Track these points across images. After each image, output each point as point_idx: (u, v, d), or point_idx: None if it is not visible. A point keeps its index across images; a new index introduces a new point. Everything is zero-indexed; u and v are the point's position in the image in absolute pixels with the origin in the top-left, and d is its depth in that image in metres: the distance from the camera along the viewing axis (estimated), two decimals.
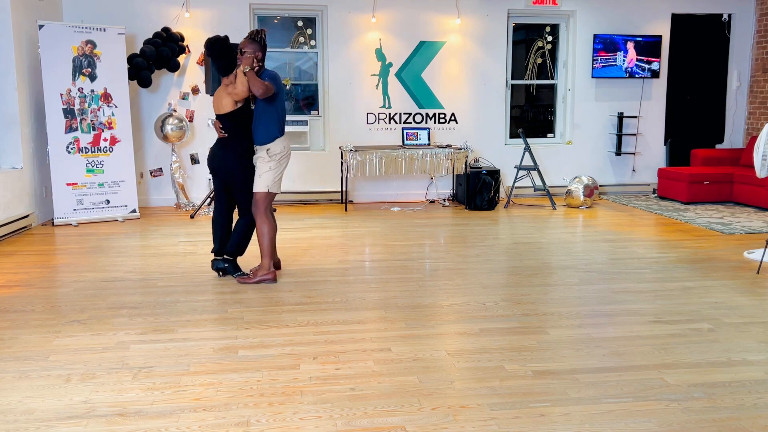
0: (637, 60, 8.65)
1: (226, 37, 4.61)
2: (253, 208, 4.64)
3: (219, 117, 4.64)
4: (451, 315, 3.98)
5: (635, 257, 5.44)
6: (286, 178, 8.34)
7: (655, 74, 8.74)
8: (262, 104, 4.57)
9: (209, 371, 3.15)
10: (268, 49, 8.38)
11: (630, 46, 8.59)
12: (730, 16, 9.00)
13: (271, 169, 4.62)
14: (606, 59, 8.61)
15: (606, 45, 8.57)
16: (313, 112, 8.49)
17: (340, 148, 8.12)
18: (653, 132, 9.02)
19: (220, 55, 4.56)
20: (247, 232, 4.79)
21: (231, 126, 4.61)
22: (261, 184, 4.60)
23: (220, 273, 4.84)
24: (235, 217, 4.88)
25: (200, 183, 8.19)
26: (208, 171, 4.76)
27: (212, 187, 8.02)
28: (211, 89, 7.30)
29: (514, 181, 8.16)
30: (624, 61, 8.62)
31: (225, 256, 4.81)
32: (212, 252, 4.88)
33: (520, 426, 2.62)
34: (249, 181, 4.66)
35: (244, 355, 3.36)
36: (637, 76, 8.71)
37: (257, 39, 4.52)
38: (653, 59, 8.69)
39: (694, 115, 9.20)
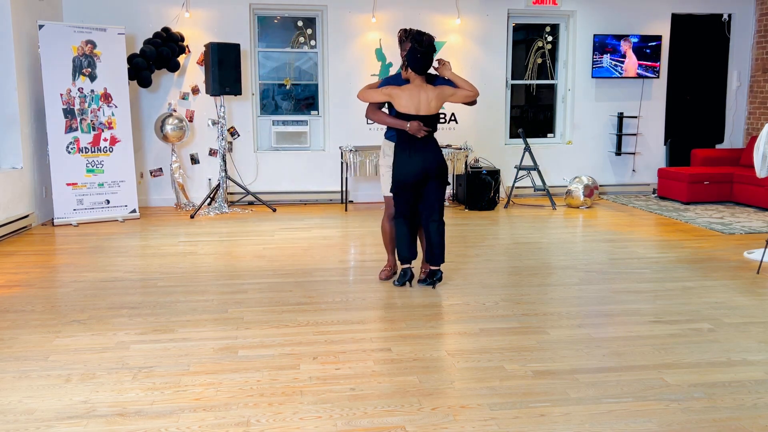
0: (639, 65, 8.65)
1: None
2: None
3: (425, 118, 4.32)
4: (451, 315, 3.98)
5: (635, 257, 5.43)
6: (286, 178, 8.35)
7: (654, 74, 8.74)
8: None
9: (209, 371, 3.15)
10: (268, 49, 8.40)
11: (629, 49, 8.59)
12: (730, 16, 9.00)
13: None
14: (605, 59, 8.61)
15: (606, 45, 8.57)
16: (313, 112, 8.49)
17: (340, 148, 8.12)
18: (653, 132, 9.02)
19: (430, 54, 4.28)
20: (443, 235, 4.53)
21: (433, 127, 4.39)
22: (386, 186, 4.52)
23: (409, 283, 4.55)
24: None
25: (200, 183, 8.19)
26: (406, 180, 4.33)
27: (212, 186, 8.03)
28: (211, 89, 7.32)
29: (514, 181, 8.15)
30: (622, 63, 8.62)
31: (432, 268, 4.51)
32: (400, 260, 4.55)
33: (520, 426, 2.62)
34: (445, 185, 4.46)
35: (244, 355, 3.36)
36: (637, 75, 8.71)
37: None
38: (653, 62, 8.70)
39: (694, 115, 9.20)
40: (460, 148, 7.89)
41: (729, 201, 8.10)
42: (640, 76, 8.70)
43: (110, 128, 7.13)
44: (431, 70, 4.50)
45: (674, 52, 8.96)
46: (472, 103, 4.48)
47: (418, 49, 4.21)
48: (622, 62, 8.62)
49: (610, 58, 8.58)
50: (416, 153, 4.31)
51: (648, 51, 8.66)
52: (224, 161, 7.60)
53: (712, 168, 8.29)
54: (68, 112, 6.88)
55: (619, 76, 8.66)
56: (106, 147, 7.12)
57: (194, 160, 8.14)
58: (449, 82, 4.41)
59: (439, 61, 4.41)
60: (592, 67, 8.63)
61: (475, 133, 8.61)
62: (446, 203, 8.28)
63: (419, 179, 4.33)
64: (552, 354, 3.36)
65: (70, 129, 6.89)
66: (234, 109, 8.14)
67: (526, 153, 8.03)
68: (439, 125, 8.50)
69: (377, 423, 2.65)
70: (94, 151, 7.06)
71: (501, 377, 3.07)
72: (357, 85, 8.28)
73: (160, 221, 7.12)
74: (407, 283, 4.56)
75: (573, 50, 8.75)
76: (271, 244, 5.95)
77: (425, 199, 4.44)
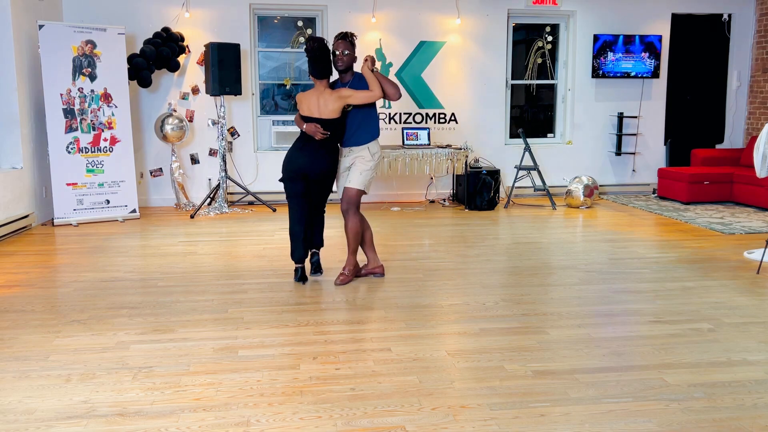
0: (635, 61, 8.65)
1: (323, 39, 4.55)
2: (346, 205, 4.63)
3: (322, 121, 4.49)
4: (451, 315, 3.98)
5: (635, 257, 5.43)
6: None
7: (655, 74, 8.74)
8: (368, 104, 4.55)
9: (209, 371, 3.15)
10: (268, 49, 8.40)
11: (630, 47, 8.59)
12: (730, 16, 9.00)
13: (371, 169, 4.66)
14: (606, 59, 8.61)
15: (606, 45, 8.57)
16: None
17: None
18: (653, 132, 9.02)
19: (323, 58, 4.47)
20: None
21: (333, 130, 4.54)
22: (359, 181, 4.59)
23: (303, 278, 4.73)
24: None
25: (200, 183, 8.19)
26: (287, 175, 4.60)
27: (212, 186, 8.03)
28: (211, 89, 7.31)
29: (514, 181, 8.15)
30: (622, 61, 8.63)
31: (314, 250, 4.92)
32: (296, 260, 4.73)
33: (520, 426, 2.62)
34: (327, 189, 4.78)
35: (244, 355, 3.36)
36: (637, 75, 8.71)
37: (350, 39, 4.49)
38: (652, 59, 8.70)
39: (694, 115, 9.20)
40: (460, 148, 7.89)
41: (729, 201, 8.10)
42: (639, 75, 8.70)
43: (110, 128, 7.13)
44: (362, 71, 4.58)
45: (674, 52, 8.96)
46: (386, 97, 4.48)
47: (308, 55, 4.48)
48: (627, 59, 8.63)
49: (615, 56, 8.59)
50: (305, 152, 4.53)
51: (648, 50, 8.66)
52: (224, 161, 7.60)
53: (712, 168, 8.29)
54: (68, 112, 6.88)
55: (625, 76, 8.66)
56: (106, 147, 7.12)
57: (194, 160, 8.14)
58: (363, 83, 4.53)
59: (365, 58, 4.50)
60: (593, 67, 8.63)
61: (475, 133, 8.61)
62: (446, 203, 8.30)
63: (298, 177, 4.57)
64: (552, 354, 3.36)
65: (70, 129, 6.89)
66: (234, 109, 8.14)
67: (526, 153, 8.03)
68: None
69: (377, 423, 2.65)
70: (94, 151, 7.06)
71: (501, 377, 3.07)
72: None
73: (160, 221, 7.12)
74: (302, 281, 4.72)
75: (573, 50, 8.75)
76: (271, 244, 5.95)
77: (312, 199, 4.76)
